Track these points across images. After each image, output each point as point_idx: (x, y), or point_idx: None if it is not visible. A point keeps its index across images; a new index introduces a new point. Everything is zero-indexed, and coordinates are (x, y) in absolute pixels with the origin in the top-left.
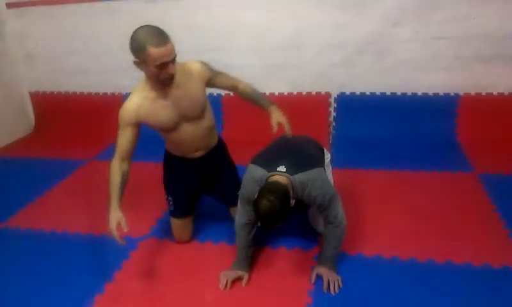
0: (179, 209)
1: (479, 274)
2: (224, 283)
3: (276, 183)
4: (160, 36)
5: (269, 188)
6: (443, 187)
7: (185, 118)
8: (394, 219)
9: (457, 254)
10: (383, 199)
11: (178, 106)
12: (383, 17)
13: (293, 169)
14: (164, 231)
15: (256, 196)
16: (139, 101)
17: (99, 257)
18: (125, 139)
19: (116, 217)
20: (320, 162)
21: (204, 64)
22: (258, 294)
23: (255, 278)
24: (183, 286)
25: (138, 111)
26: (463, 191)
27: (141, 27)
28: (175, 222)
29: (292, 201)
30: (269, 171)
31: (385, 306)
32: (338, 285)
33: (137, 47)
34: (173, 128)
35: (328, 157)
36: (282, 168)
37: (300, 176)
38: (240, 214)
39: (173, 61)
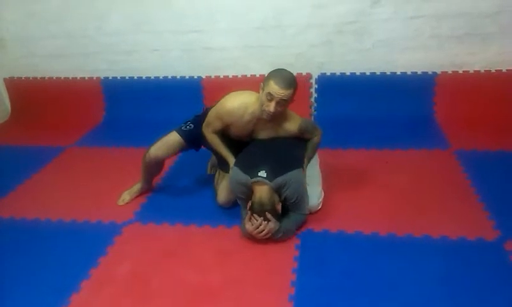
0: (189, 136)
1: (455, 246)
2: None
3: (263, 205)
4: (286, 82)
5: (259, 212)
6: (421, 165)
7: (257, 135)
8: (374, 196)
9: (434, 229)
10: (363, 178)
11: (259, 132)
12: None
13: (273, 173)
14: (148, 216)
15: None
16: (242, 111)
17: (83, 243)
18: (217, 125)
19: None
20: (299, 162)
21: (300, 126)
22: (243, 274)
23: (240, 258)
24: (168, 270)
25: (235, 116)
26: (440, 168)
27: (284, 69)
28: (174, 139)
29: (279, 206)
30: (251, 177)
31: (366, 280)
32: (265, 232)
33: (268, 76)
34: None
35: None
36: (263, 173)
37: (278, 179)
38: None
39: (279, 103)
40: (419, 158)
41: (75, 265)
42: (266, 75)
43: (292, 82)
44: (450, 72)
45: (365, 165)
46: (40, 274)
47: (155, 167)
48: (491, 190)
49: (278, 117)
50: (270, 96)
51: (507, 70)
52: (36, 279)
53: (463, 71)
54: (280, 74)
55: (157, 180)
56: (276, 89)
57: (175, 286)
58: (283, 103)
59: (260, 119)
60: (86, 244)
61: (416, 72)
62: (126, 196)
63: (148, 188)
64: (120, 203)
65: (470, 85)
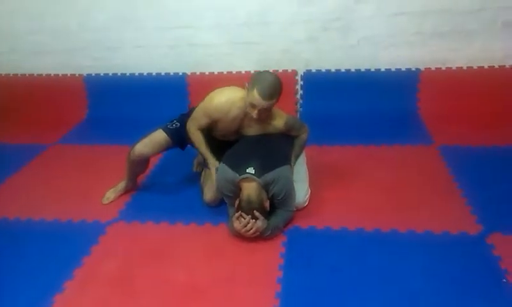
0: (175, 134)
1: (439, 241)
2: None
3: (251, 202)
4: (269, 92)
5: (247, 210)
6: (406, 160)
7: (244, 131)
8: (359, 192)
9: (418, 224)
10: (349, 174)
11: (246, 128)
12: None
13: (261, 170)
14: (133, 215)
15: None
16: (228, 107)
17: (67, 243)
18: (204, 121)
19: (217, 164)
20: (287, 159)
21: (286, 123)
22: (230, 271)
23: (227, 256)
24: (154, 269)
25: (222, 112)
26: (424, 163)
27: (271, 74)
28: (160, 137)
29: (267, 204)
30: (239, 174)
31: (352, 276)
32: (253, 231)
33: (252, 82)
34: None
35: None
36: (251, 170)
37: (267, 176)
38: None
39: (261, 111)
40: (403, 153)
41: (58, 265)
42: (252, 76)
43: (275, 92)
44: (433, 69)
45: (351, 161)
46: (22, 275)
47: (140, 164)
48: (473, 185)
49: (263, 119)
50: (253, 105)
51: (489, 66)
52: (18, 280)
53: (446, 67)
54: (264, 83)
55: (142, 178)
56: (258, 100)
57: (161, 285)
58: (266, 111)
59: (246, 116)
60: (69, 244)
61: (401, 69)
62: (110, 195)
63: (132, 187)
64: (105, 201)
65: (453, 81)
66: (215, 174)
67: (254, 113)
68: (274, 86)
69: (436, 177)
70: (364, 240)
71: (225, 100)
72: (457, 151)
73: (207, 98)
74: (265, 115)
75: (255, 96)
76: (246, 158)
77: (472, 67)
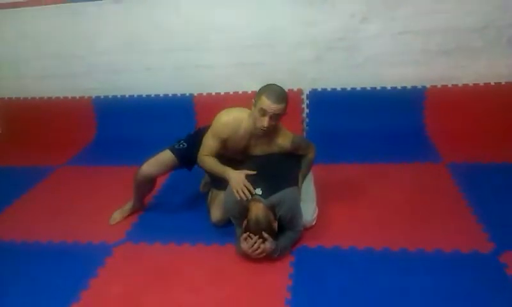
0: (182, 154)
1: (450, 259)
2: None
3: (259, 223)
4: (277, 97)
5: (255, 230)
6: (414, 178)
7: (251, 151)
8: (367, 211)
9: (428, 242)
10: (356, 193)
11: (253, 148)
12: (351, 14)
13: (268, 191)
14: (140, 236)
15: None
16: (236, 125)
17: (74, 265)
18: (214, 147)
19: (239, 172)
20: (294, 180)
21: (293, 142)
22: (237, 293)
23: (234, 276)
24: (161, 291)
25: (231, 129)
26: (433, 181)
27: (275, 85)
28: (167, 157)
29: (275, 225)
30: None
31: (362, 296)
32: (260, 251)
33: (259, 92)
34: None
35: None
36: (258, 191)
37: (273, 198)
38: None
39: (272, 118)
40: (411, 171)
41: (65, 287)
42: (257, 91)
43: (283, 96)
44: (439, 86)
45: (358, 180)
46: (30, 297)
47: (146, 185)
48: (484, 203)
49: (271, 132)
50: (263, 112)
51: (495, 83)
52: (25, 302)
53: (452, 85)
54: (271, 89)
55: (149, 198)
56: (268, 104)
57: None
58: (276, 118)
59: (253, 135)
60: (76, 266)
61: (406, 87)
62: (117, 215)
63: (140, 207)
64: (112, 222)
65: (459, 98)
66: (240, 177)
67: (265, 121)
68: (282, 91)
69: (446, 195)
70: (373, 259)
71: (233, 118)
72: (466, 169)
73: (214, 120)
74: (275, 123)
75: (265, 100)
76: (254, 179)
77: (478, 84)
